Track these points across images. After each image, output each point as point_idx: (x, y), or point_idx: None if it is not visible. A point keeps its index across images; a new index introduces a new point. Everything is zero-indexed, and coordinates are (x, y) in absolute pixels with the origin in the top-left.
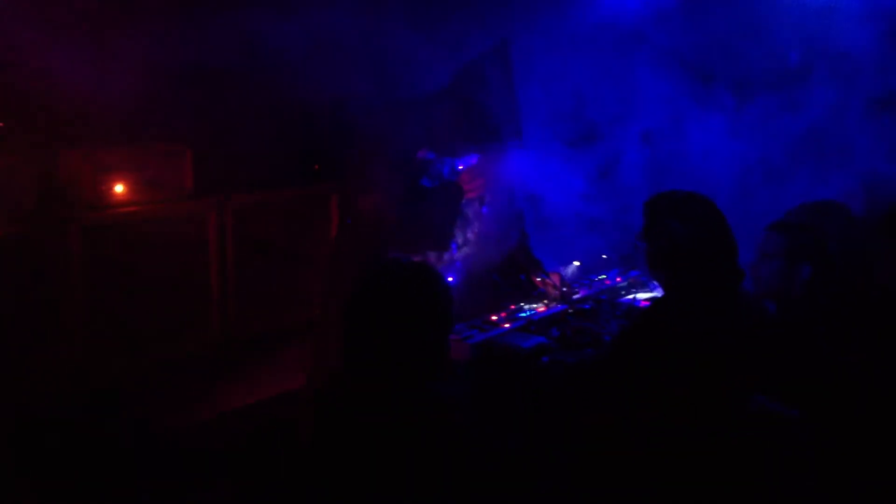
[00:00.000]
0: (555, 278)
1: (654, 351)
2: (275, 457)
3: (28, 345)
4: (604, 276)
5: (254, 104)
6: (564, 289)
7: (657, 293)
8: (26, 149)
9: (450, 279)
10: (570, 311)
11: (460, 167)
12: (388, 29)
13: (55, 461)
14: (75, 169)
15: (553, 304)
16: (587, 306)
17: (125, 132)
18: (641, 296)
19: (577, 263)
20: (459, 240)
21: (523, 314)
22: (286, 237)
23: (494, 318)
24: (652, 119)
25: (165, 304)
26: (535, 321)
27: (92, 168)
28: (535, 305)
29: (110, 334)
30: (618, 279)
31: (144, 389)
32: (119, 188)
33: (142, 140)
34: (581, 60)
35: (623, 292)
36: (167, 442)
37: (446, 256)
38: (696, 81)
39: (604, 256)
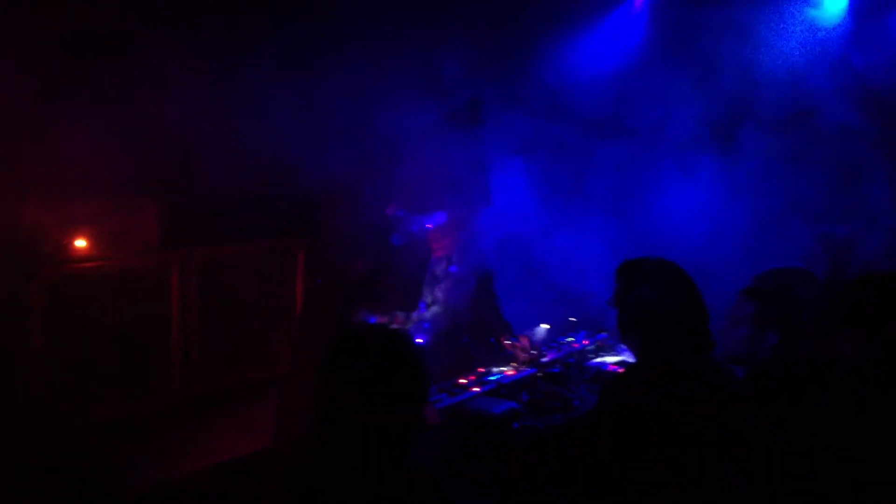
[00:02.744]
0: (524, 341)
1: (626, 421)
2: None
3: None
4: (571, 339)
5: (221, 158)
6: (534, 352)
7: (625, 356)
8: None
9: (419, 341)
10: (540, 374)
11: (429, 225)
12: (357, 89)
13: None
14: (38, 221)
15: (522, 368)
16: (556, 370)
17: (90, 184)
18: (609, 359)
19: (545, 326)
20: (428, 299)
21: (492, 377)
22: (251, 292)
23: (464, 381)
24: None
25: (126, 360)
26: (505, 385)
27: (55, 220)
28: (504, 368)
29: (69, 389)
30: (584, 342)
31: (103, 447)
32: (82, 242)
33: (107, 192)
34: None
35: (591, 355)
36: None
37: (415, 316)
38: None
39: (571, 319)
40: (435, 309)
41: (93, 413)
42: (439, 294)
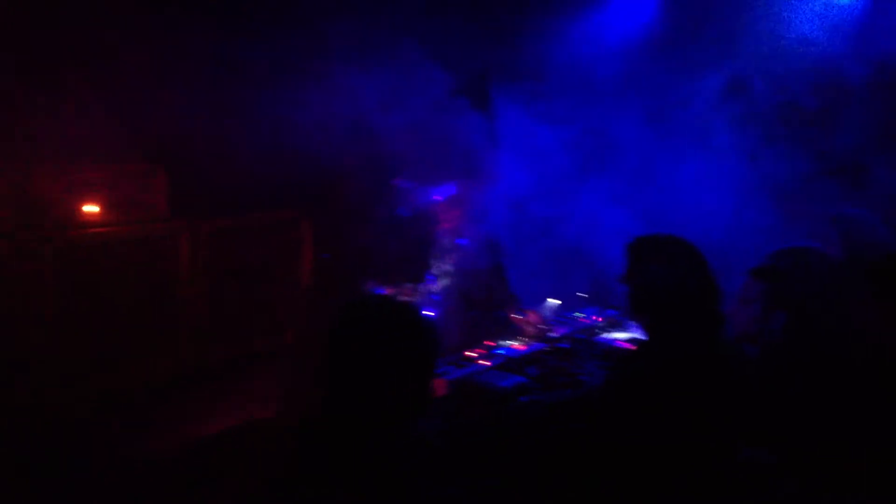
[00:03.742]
0: (533, 316)
1: (637, 397)
2: (244, 488)
3: None
4: (581, 315)
5: (230, 127)
6: (542, 327)
7: (634, 333)
8: (2, 167)
9: (428, 313)
10: (548, 349)
11: (437, 197)
12: (369, 61)
13: (16, 489)
14: (49, 188)
15: (530, 342)
16: (565, 345)
17: (100, 151)
18: (618, 335)
19: (555, 301)
20: (436, 271)
21: (500, 351)
22: (258, 261)
23: (471, 354)
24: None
25: (135, 327)
26: (513, 359)
27: (66, 187)
28: (512, 343)
29: (78, 355)
30: (594, 318)
31: (111, 414)
32: (92, 208)
33: (117, 159)
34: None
35: (601, 331)
36: (133, 469)
37: (422, 288)
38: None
39: (580, 294)
40: (443, 281)
41: (100, 378)
42: (447, 266)
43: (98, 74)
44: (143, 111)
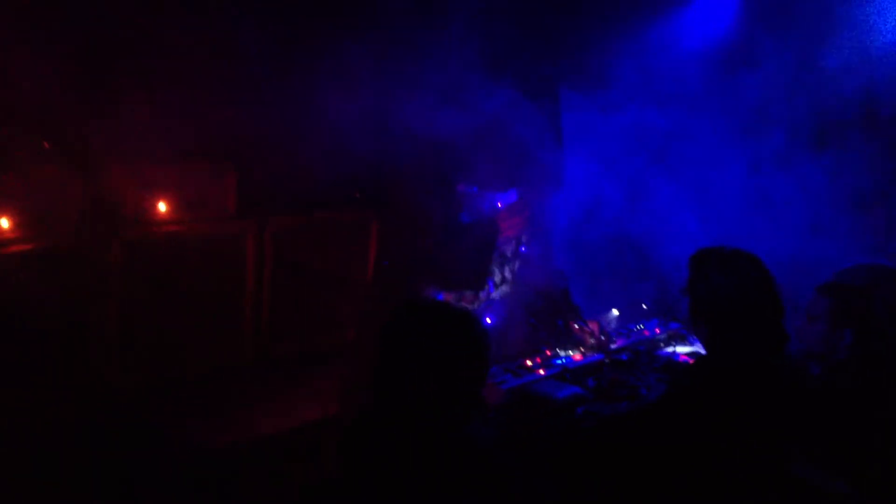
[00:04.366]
0: (593, 326)
1: (695, 412)
2: (301, 488)
3: (65, 356)
4: (642, 327)
5: (298, 127)
6: (602, 337)
7: (696, 347)
8: (74, 164)
9: (487, 320)
10: (607, 361)
11: (499, 204)
12: (436, 63)
13: (80, 472)
14: (121, 185)
15: (590, 353)
16: (624, 357)
17: (172, 151)
18: (681, 349)
19: (616, 312)
20: (497, 278)
21: (559, 361)
22: (324, 261)
23: (529, 363)
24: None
25: (201, 322)
26: (571, 369)
27: (137, 184)
28: (571, 353)
29: (145, 348)
30: (657, 330)
31: (175, 406)
32: (162, 206)
33: (186, 158)
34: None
35: (662, 344)
36: (193, 460)
37: (482, 295)
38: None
39: (643, 306)
40: (504, 289)
41: (165, 373)
42: (508, 274)
43: (167, 72)
44: (212, 110)
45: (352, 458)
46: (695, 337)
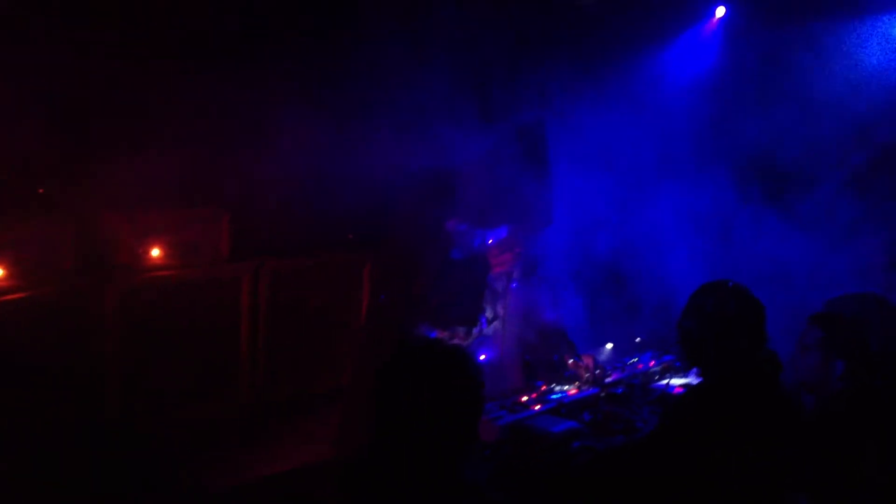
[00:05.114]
0: (587, 360)
1: (690, 441)
2: None
3: (61, 401)
4: (636, 360)
5: (291, 173)
6: (597, 371)
7: (691, 379)
8: (68, 211)
9: (481, 357)
10: (602, 395)
11: (490, 240)
12: (427, 104)
13: None
14: (115, 231)
15: (585, 387)
16: (619, 391)
17: (165, 196)
18: (675, 381)
19: (609, 346)
20: (489, 315)
21: (554, 396)
22: (318, 303)
23: (524, 398)
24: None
25: (196, 366)
26: (566, 404)
27: (131, 231)
28: (566, 387)
29: (140, 394)
30: (651, 363)
31: (172, 451)
32: (156, 251)
33: (181, 204)
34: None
35: (656, 377)
36: None
37: (475, 331)
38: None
39: (637, 340)
40: (496, 325)
41: (161, 417)
42: (500, 310)
43: (158, 125)
44: (207, 158)
45: (351, 500)
46: (687, 367)
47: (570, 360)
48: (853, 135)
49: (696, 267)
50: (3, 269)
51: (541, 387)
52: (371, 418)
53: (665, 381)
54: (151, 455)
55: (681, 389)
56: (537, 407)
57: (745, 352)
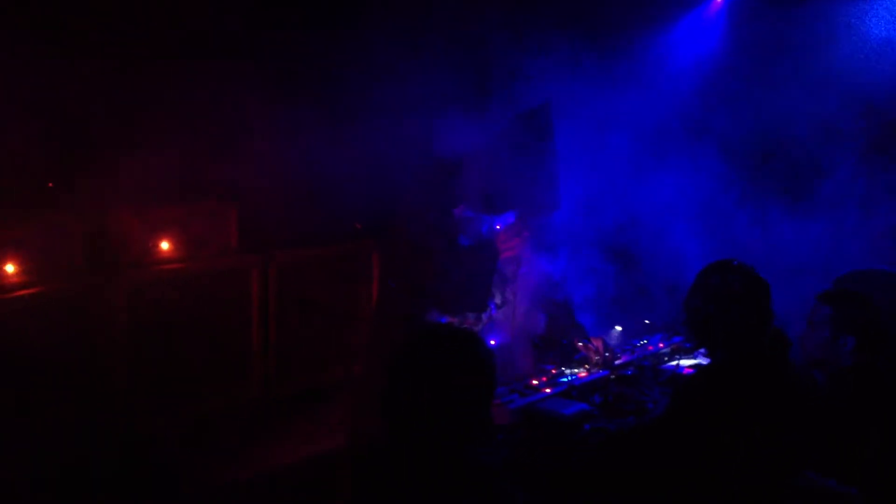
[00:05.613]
0: (597, 343)
1: (700, 421)
2: None
3: (70, 399)
4: (646, 342)
5: (298, 164)
6: (607, 354)
7: (701, 360)
8: (76, 206)
9: (492, 342)
10: (612, 376)
11: (498, 226)
12: (430, 91)
13: None
14: (123, 226)
15: (595, 370)
16: (629, 372)
17: (173, 191)
18: (685, 362)
19: (619, 328)
20: (498, 300)
21: (564, 379)
22: (328, 294)
23: (535, 382)
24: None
25: (207, 360)
26: (577, 387)
27: (139, 225)
28: (576, 370)
29: (152, 388)
30: (660, 345)
31: (183, 444)
32: (165, 245)
33: (189, 198)
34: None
35: (666, 358)
36: (203, 497)
37: (485, 317)
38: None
39: (646, 322)
40: (505, 310)
41: (172, 411)
42: (509, 295)
43: (169, 118)
44: (214, 152)
45: (365, 489)
46: (698, 349)
47: (580, 343)
48: (864, 112)
49: (706, 249)
50: (13, 265)
51: (551, 370)
52: (384, 406)
53: (675, 363)
54: (161, 451)
55: (691, 370)
56: (548, 390)
57: (752, 330)
